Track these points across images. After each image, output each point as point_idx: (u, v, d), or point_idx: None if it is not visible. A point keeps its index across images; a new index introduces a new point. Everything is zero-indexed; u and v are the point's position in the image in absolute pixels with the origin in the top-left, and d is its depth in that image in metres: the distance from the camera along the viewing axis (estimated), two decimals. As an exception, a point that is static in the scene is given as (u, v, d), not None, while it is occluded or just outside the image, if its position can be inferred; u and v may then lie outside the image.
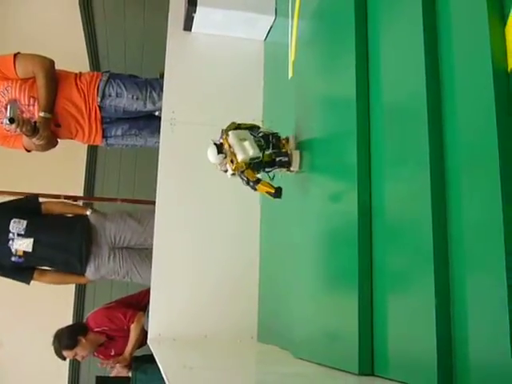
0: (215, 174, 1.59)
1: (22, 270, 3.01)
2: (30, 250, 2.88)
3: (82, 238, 2.95)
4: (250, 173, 1.54)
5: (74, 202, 3.54)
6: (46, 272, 3.09)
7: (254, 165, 1.54)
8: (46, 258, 2.98)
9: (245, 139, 1.52)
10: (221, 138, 1.55)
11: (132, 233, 3.02)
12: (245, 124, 1.61)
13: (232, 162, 1.52)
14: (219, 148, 1.53)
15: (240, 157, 1.50)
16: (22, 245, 2.87)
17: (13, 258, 2.90)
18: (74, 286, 4.81)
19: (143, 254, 3.02)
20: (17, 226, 2.90)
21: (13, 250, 2.89)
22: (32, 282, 3.06)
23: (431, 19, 1.07)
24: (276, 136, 1.62)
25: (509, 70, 0.88)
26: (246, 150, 1.51)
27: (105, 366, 3.47)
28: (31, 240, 2.88)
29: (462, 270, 0.94)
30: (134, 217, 3.07)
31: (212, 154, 1.54)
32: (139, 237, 3.03)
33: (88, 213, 3.09)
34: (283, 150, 1.62)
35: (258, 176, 1.56)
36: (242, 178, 1.55)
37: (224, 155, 1.53)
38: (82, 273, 3.02)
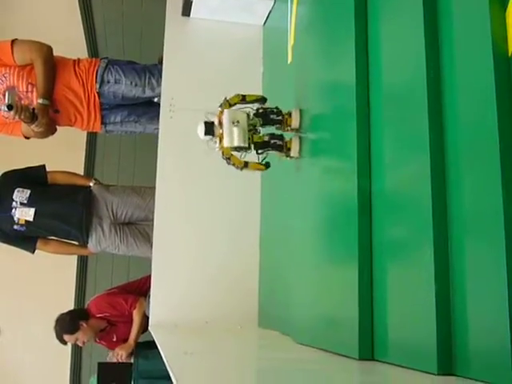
0: (215, 159, 1.58)
1: (26, 239, 3.03)
2: (32, 220, 2.90)
3: (83, 209, 2.95)
4: (236, 159, 1.53)
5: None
6: (50, 241, 3.10)
7: (239, 149, 1.53)
8: (47, 228, 2.99)
9: (238, 123, 1.50)
10: (220, 106, 1.54)
11: (134, 208, 3.02)
12: (250, 96, 1.59)
13: (220, 140, 1.51)
14: (208, 127, 1.52)
15: (225, 143, 1.49)
16: (23, 213, 2.89)
17: (15, 227, 2.92)
18: (75, 271, 4.82)
19: (144, 230, 3.02)
20: (20, 194, 2.91)
21: (15, 219, 2.91)
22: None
23: (432, 4, 1.07)
24: (277, 112, 1.60)
25: (509, 54, 0.88)
26: (233, 137, 1.49)
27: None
28: (33, 209, 2.90)
29: (462, 254, 0.94)
30: (137, 192, 3.07)
31: (200, 132, 1.54)
32: (141, 212, 3.02)
33: (91, 184, 3.09)
34: (284, 129, 1.60)
35: (245, 160, 1.55)
36: (227, 162, 1.54)
37: (211, 136, 1.52)
38: (84, 244, 3.03)
